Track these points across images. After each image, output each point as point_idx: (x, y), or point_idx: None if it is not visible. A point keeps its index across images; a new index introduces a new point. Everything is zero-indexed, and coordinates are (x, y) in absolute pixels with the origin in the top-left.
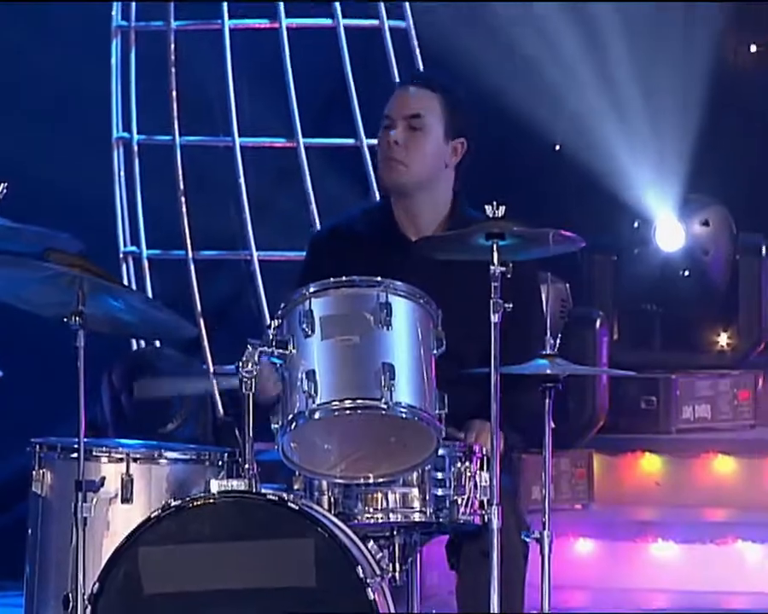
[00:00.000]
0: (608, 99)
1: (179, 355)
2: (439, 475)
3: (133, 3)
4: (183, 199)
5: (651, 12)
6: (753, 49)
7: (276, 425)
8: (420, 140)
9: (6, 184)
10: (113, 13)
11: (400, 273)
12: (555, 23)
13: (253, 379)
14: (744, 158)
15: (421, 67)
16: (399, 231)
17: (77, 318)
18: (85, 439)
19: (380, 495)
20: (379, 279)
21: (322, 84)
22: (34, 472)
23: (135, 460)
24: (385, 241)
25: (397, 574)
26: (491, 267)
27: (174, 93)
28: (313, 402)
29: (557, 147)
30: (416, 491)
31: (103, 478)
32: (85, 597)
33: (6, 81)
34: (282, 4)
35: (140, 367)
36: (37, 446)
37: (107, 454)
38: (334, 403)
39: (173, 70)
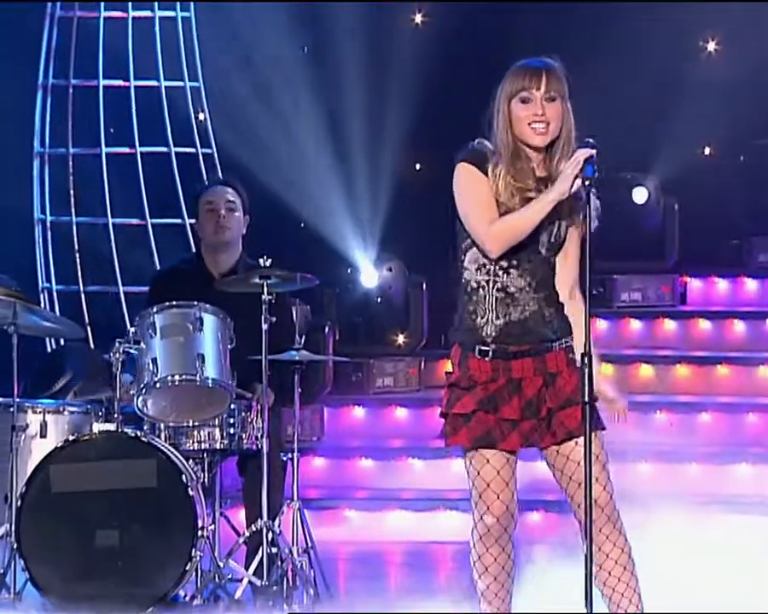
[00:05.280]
0: (338, 186)
1: (87, 348)
2: (231, 420)
3: (47, 132)
4: (77, 255)
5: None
6: (418, 167)
7: (134, 392)
8: (234, 217)
9: None
10: (35, 141)
11: (208, 298)
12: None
13: (120, 363)
14: (415, 229)
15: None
16: (207, 271)
17: (12, 326)
18: (18, 399)
19: (196, 432)
20: (195, 303)
21: (163, 185)
22: None
23: (49, 411)
24: (198, 278)
25: (206, 480)
26: (263, 295)
27: (72, 191)
28: (156, 377)
29: (302, 224)
30: (217, 430)
31: (28, 424)
32: (18, 495)
33: None
34: (137, 135)
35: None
36: None
37: (31, 408)
38: (168, 377)
39: (71, 178)
